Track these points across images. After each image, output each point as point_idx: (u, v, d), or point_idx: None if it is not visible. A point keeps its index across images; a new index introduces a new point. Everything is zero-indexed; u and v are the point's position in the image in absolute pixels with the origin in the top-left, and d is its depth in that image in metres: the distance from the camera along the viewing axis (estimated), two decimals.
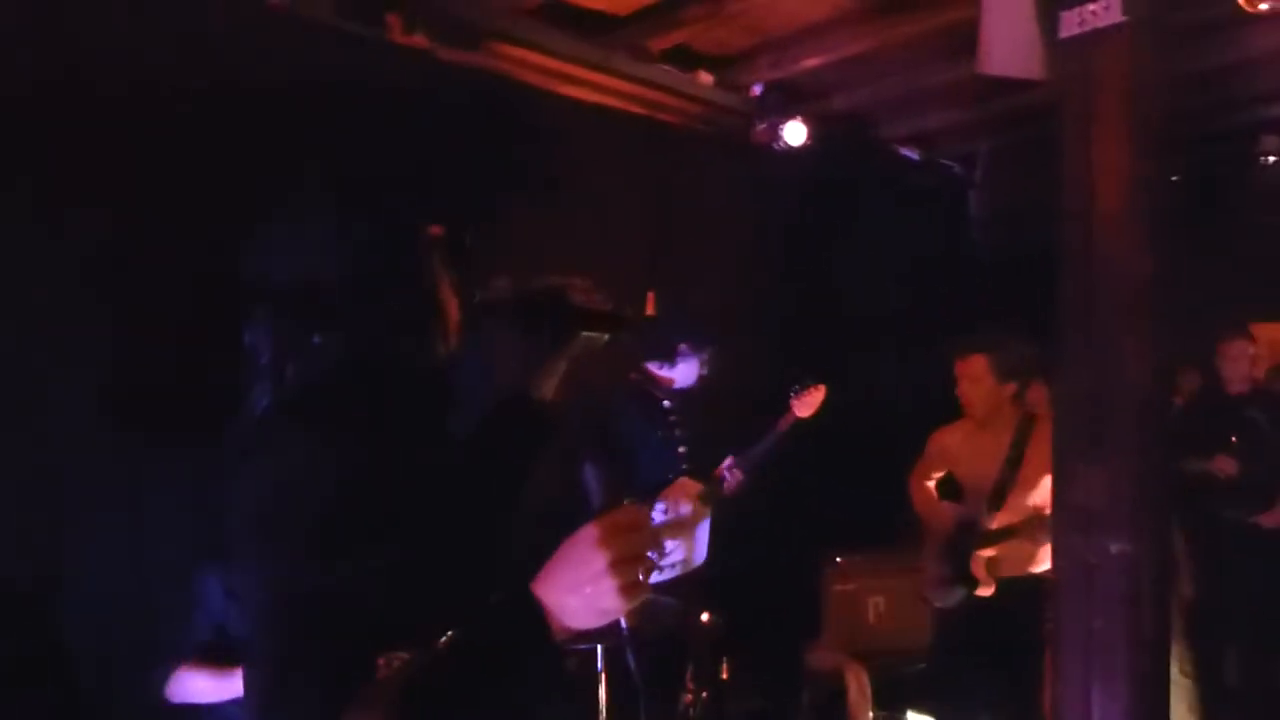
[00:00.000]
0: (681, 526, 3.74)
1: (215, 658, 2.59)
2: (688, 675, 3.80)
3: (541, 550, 1.22)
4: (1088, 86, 1.98)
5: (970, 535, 3.61)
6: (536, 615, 1.15)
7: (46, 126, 2.92)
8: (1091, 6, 1.94)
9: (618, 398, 3.85)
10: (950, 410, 3.83)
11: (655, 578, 3.79)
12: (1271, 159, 5.32)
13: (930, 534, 3.80)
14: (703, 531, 3.84)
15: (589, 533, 1.16)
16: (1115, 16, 1.93)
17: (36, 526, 2.93)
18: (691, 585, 3.79)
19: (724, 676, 4.05)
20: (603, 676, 3.27)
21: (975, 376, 3.64)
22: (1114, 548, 1.93)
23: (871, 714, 4.85)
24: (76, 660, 2.92)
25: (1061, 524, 2.00)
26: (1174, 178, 5.53)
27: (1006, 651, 3.48)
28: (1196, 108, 5.03)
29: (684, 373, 3.81)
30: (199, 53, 3.24)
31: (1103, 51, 1.94)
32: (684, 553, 3.77)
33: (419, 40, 3.85)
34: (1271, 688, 4.90)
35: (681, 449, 3.83)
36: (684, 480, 3.80)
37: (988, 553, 3.53)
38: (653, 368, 3.83)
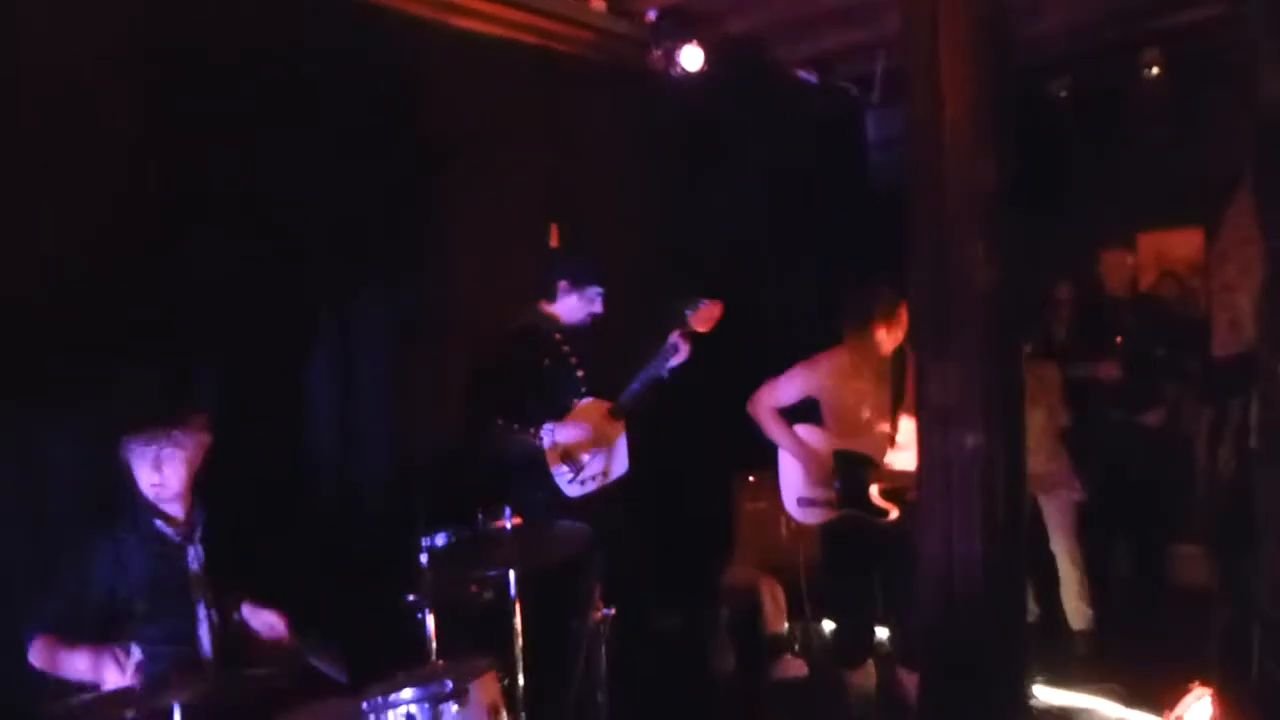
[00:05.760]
0: (598, 441, 3.88)
1: (70, 630, 2.68)
2: (596, 592, 3.92)
3: None
4: (933, 5, 2.05)
5: (862, 468, 3.82)
6: None
7: None
8: None
9: (502, 336, 3.98)
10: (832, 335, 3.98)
11: (577, 490, 3.91)
12: (1154, 70, 5.46)
13: (800, 458, 4.01)
14: (620, 445, 4.01)
15: None
16: None
17: None
18: (615, 498, 3.98)
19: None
20: (516, 604, 3.36)
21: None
22: (969, 441, 2.05)
23: (786, 625, 5.06)
24: None
25: (922, 419, 2.12)
26: (1062, 94, 5.73)
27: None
28: (1081, 23, 5.15)
29: (569, 308, 3.94)
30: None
31: None
32: (603, 465, 3.93)
33: None
34: (1159, 577, 5.23)
35: (580, 373, 3.96)
36: (590, 401, 3.94)
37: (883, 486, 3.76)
38: (542, 304, 3.96)
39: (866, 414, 3.88)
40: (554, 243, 4.67)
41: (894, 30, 4.90)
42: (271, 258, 3.60)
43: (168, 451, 2.78)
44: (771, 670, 4.89)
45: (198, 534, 2.90)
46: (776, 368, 4.12)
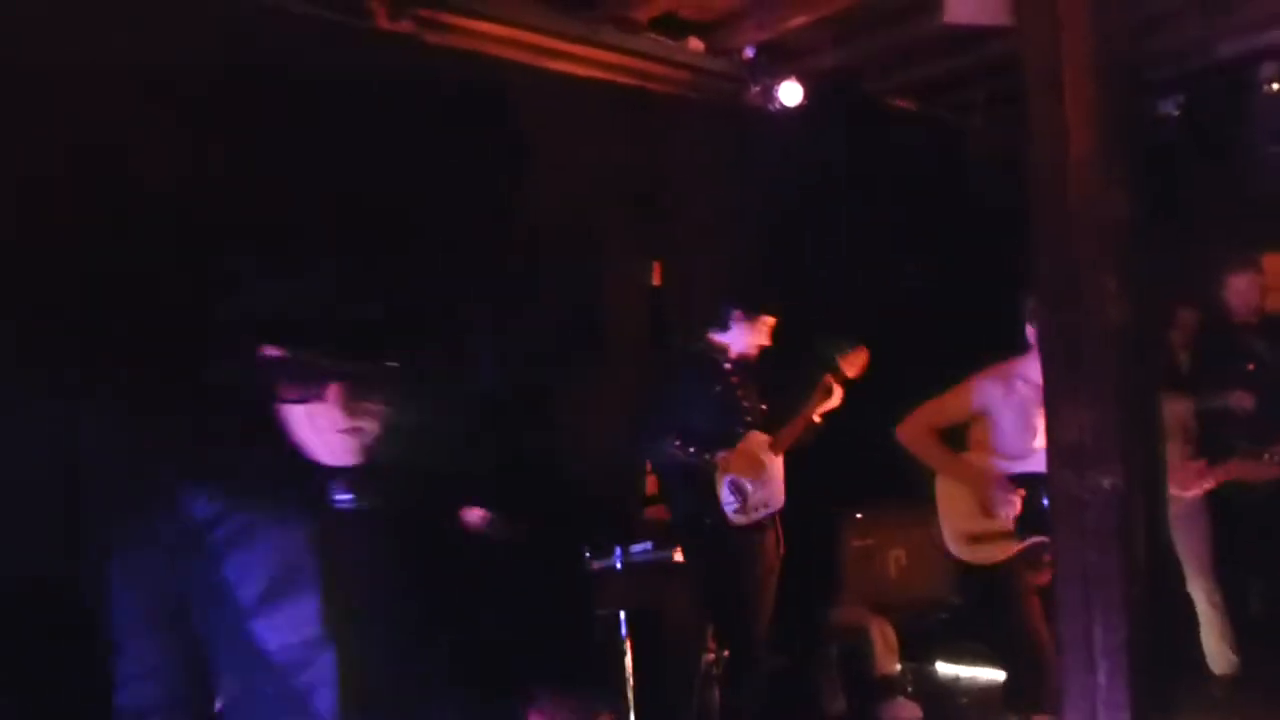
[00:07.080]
0: (762, 473, 3.97)
1: None
2: (709, 634, 3.89)
3: None
4: (1054, 29, 1.99)
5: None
6: None
7: None
8: None
9: (675, 362, 4.12)
10: (962, 362, 3.85)
11: (743, 518, 3.94)
12: (1275, 86, 5.23)
13: (974, 483, 3.62)
14: (779, 478, 4.09)
15: None
16: None
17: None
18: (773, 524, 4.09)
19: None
20: (628, 644, 3.36)
21: None
22: (1105, 482, 1.96)
23: (898, 666, 4.91)
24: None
25: (1053, 460, 2.04)
26: (1175, 113, 5.53)
27: None
28: (1193, 40, 4.98)
29: (739, 338, 4.01)
30: (184, 46, 3.28)
31: None
32: (766, 496, 4.01)
33: (405, 26, 3.87)
34: None
35: (746, 404, 4.02)
36: (753, 435, 4.00)
37: None
38: (712, 334, 4.06)
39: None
40: (656, 281, 4.69)
41: (994, 56, 4.90)
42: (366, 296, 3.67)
43: None
44: (883, 712, 4.75)
45: None
46: (888, 401, 4.03)
